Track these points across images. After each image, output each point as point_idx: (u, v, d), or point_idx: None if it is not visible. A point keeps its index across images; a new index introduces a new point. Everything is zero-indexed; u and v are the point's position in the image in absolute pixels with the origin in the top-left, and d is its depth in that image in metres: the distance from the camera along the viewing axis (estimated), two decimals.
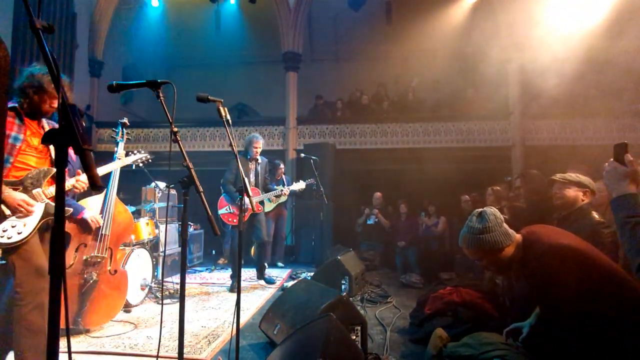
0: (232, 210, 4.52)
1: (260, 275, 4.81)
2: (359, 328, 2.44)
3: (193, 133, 8.37)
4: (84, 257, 2.88)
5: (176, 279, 4.79)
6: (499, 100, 7.95)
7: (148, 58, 8.35)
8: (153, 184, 4.97)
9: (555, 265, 1.48)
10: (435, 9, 8.07)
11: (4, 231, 1.92)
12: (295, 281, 4.01)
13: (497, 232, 1.68)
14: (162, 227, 4.75)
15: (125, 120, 3.26)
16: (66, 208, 2.64)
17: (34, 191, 2.06)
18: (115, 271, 3.08)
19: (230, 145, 1.95)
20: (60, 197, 0.86)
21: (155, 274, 4.16)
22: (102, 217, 2.97)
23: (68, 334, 0.98)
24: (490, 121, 7.83)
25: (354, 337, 2.37)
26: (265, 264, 4.92)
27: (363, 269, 4.60)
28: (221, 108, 1.99)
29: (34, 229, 2.01)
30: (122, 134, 3.20)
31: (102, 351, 2.62)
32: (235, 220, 4.46)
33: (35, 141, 2.11)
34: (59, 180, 0.86)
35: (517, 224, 3.37)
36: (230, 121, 2.00)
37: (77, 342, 2.75)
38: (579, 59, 6.64)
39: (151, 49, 8.36)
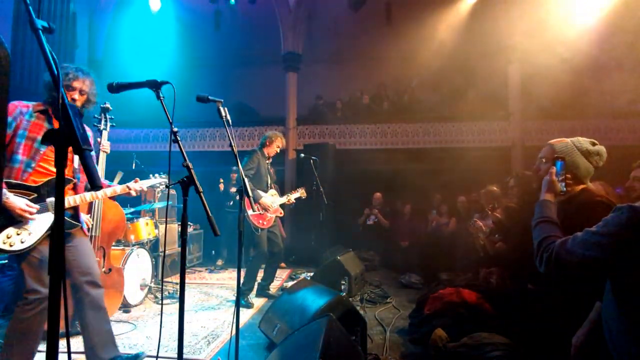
0: (261, 211, 3.95)
1: (263, 290, 4.25)
2: (358, 328, 2.45)
3: (193, 133, 8.38)
4: None
5: (176, 279, 4.79)
6: (499, 100, 7.95)
7: (148, 58, 8.33)
8: None
9: (591, 210, 1.52)
10: (434, 10, 8.06)
11: (8, 237, 1.88)
12: (295, 281, 4.01)
13: (586, 163, 1.65)
14: (162, 227, 4.75)
15: (107, 104, 2.84)
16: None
17: (47, 200, 2.00)
18: (110, 269, 3.05)
19: (230, 145, 1.95)
20: (60, 198, 0.86)
21: (155, 274, 4.16)
22: (90, 217, 2.82)
23: (67, 335, 0.99)
24: (490, 122, 7.83)
25: (354, 337, 2.37)
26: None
27: (363, 269, 4.60)
28: (221, 108, 1.99)
29: (39, 239, 1.95)
30: (106, 121, 2.85)
31: None
32: (265, 223, 3.98)
33: None
34: (59, 180, 0.86)
35: (510, 224, 3.39)
36: (230, 121, 2.00)
37: (77, 342, 2.75)
38: (579, 59, 6.64)
39: (151, 49, 8.35)
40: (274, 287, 4.56)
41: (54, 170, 2.03)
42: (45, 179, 2.01)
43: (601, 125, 7.45)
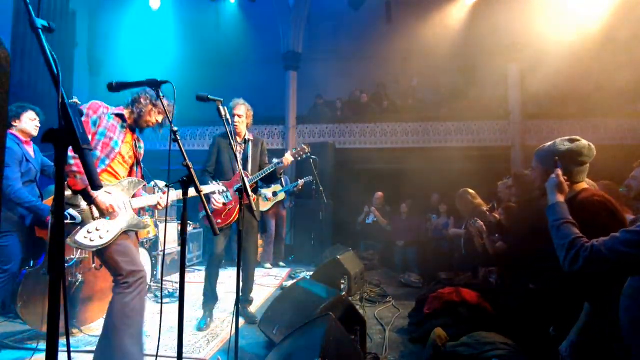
0: (218, 205, 2.97)
1: (244, 308, 3.28)
2: (358, 328, 2.45)
3: (192, 132, 8.38)
4: None
5: (175, 278, 4.79)
6: (499, 100, 7.95)
7: (148, 57, 8.33)
8: (152, 183, 4.97)
9: (592, 211, 1.56)
10: (434, 9, 8.07)
11: (88, 232, 1.94)
12: (295, 281, 4.01)
13: (572, 164, 1.66)
14: (162, 226, 4.74)
15: (75, 99, 2.62)
16: (35, 211, 2.62)
17: (124, 200, 2.10)
18: (101, 265, 3.03)
19: (230, 144, 1.95)
20: (60, 196, 0.86)
21: (155, 273, 4.15)
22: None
23: (67, 333, 0.99)
24: (490, 121, 7.83)
25: (353, 336, 2.37)
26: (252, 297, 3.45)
27: (362, 269, 4.59)
28: (221, 107, 1.99)
29: (116, 236, 2.02)
30: None
31: None
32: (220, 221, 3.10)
33: (125, 150, 2.17)
34: (58, 179, 0.86)
35: (510, 224, 3.39)
36: (229, 120, 2.00)
37: (76, 341, 2.75)
38: (579, 58, 6.64)
39: (151, 48, 8.34)
40: (273, 286, 4.55)
41: (122, 174, 2.14)
42: (113, 180, 2.12)
43: (601, 124, 7.45)
